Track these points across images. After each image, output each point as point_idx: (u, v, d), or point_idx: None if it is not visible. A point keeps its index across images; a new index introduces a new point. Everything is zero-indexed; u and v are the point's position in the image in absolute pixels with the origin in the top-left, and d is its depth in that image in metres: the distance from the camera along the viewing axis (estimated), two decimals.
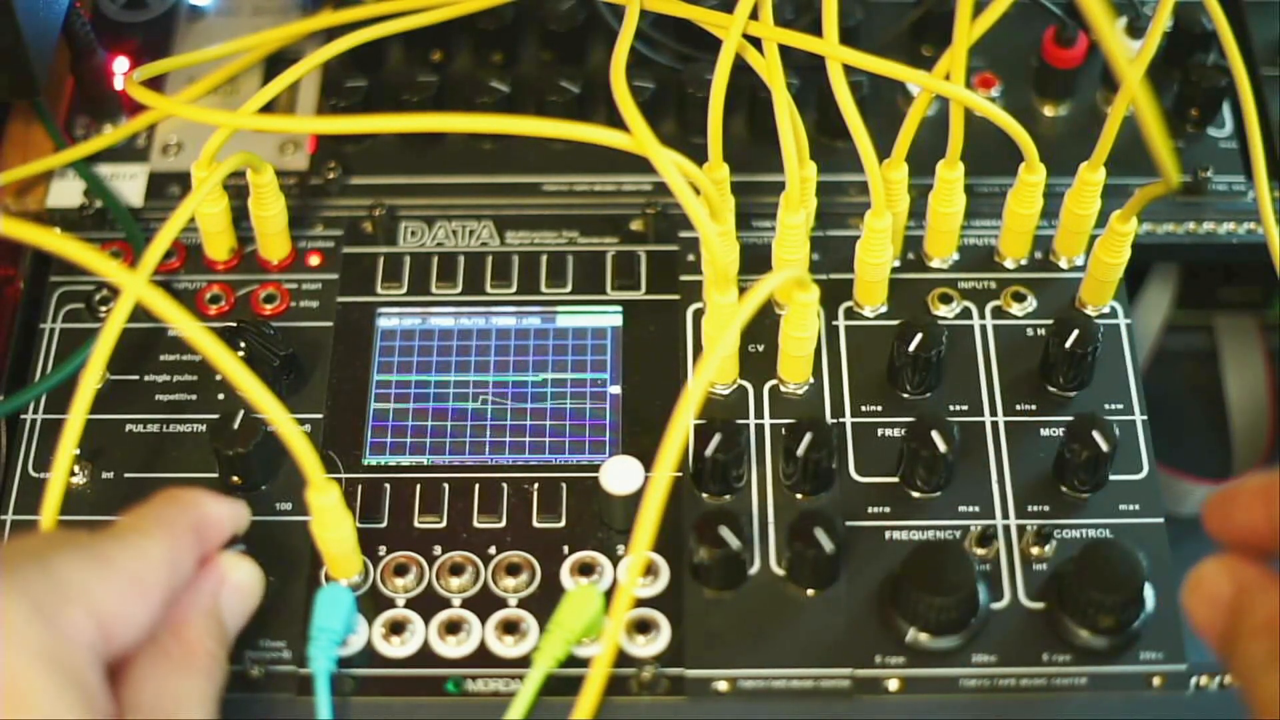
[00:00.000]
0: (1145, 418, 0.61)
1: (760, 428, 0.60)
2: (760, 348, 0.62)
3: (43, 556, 0.45)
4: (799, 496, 0.59)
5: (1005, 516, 0.58)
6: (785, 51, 0.58)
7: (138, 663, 0.47)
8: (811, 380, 0.61)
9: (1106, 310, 0.63)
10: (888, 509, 0.58)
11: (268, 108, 0.62)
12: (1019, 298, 0.64)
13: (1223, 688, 0.55)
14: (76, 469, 0.59)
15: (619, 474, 0.56)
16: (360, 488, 0.59)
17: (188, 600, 0.50)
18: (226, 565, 0.52)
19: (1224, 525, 0.45)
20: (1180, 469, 0.77)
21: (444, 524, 0.58)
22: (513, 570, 0.57)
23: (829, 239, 0.65)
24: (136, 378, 0.62)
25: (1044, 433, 0.60)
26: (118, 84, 0.70)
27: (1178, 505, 0.76)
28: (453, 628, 0.55)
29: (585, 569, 0.57)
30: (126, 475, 0.59)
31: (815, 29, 0.59)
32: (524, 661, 0.54)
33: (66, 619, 0.44)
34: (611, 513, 0.57)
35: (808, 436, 0.57)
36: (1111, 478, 0.59)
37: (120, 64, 0.71)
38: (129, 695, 0.46)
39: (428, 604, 0.56)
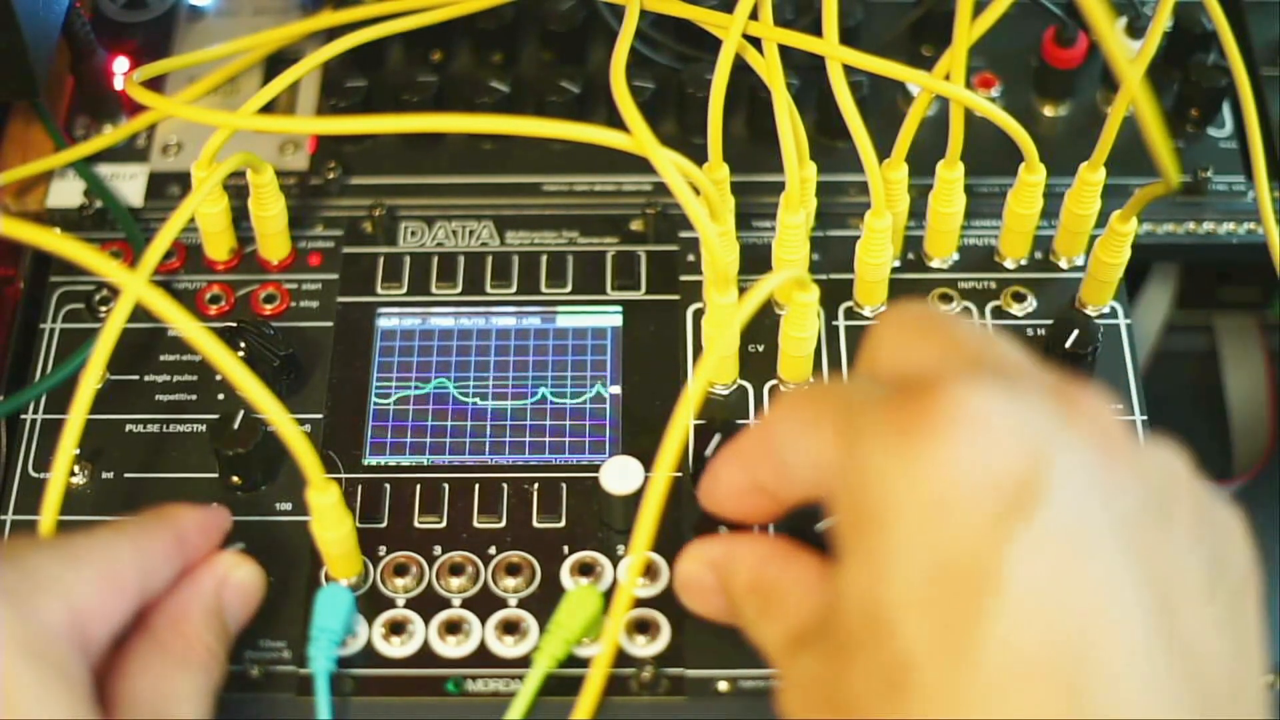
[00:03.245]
0: (1145, 418, 0.61)
1: None
2: (760, 348, 0.62)
3: (13, 555, 0.45)
4: None
5: None
6: (785, 51, 0.58)
7: (135, 656, 0.47)
8: (811, 380, 0.61)
9: (1106, 310, 0.63)
10: None
11: (268, 108, 0.61)
12: (1019, 298, 0.64)
13: None
14: (76, 469, 0.59)
15: (619, 474, 0.56)
16: (360, 488, 0.59)
17: (188, 596, 0.50)
18: (228, 564, 0.52)
19: (712, 500, 0.48)
20: None
21: (444, 524, 0.58)
22: (513, 570, 0.57)
23: (829, 239, 0.65)
24: (136, 378, 0.62)
25: None
26: (118, 84, 0.70)
27: None
28: (453, 628, 0.55)
29: (585, 569, 0.57)
30: (126, 475, 0.59)
31: (815, 29, 0.59)
32: (524, 661, 0.54)
33: (41, 608, 0.44)
34: (611, 513, 0.57)
35: None
36: None
37: (120, 64, 0.71)
38: (125, 689, 0.46)
39: (428, 604, 0.56)
